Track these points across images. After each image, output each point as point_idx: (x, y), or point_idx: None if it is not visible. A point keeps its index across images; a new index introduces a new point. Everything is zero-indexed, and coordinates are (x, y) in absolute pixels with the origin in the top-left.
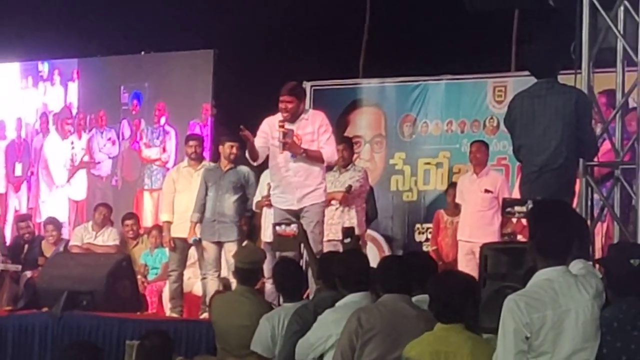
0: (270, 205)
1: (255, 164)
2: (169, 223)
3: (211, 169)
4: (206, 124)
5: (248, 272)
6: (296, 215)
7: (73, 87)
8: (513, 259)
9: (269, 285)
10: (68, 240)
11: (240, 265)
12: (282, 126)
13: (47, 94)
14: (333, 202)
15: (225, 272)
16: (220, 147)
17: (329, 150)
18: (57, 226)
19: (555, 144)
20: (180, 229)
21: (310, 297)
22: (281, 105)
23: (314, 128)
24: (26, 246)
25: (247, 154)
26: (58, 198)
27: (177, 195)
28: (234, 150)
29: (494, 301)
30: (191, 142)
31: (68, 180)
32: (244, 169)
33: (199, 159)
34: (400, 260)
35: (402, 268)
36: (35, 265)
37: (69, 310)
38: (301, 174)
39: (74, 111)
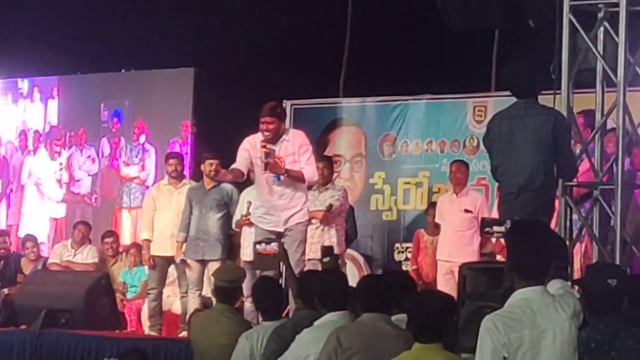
0: (250, 224)
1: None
2: (149, 241)
3: (195, 188)
4: (186, 142)
5: (227, 291)
6: (280, 236)
7: (53, 104)
8: (492, 278)
9: (248, 304)
10: (47, 258)
11: (219, 283)
12: (265, 146)
13: (26, 111)
14: (313, 220)
15: (207, 291)
16: (202, 165)
17: (310, 170)
18: (36, 243)
19: (532, 165)
20: (160, 247)
21: (290, 316)
22: (262, 126)
23: (295, 149)
24: (1, 262)
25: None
26: (37, 215)
27: (157, 214)
28: (214, 167)
29: (473, 321)
30: (171, 161)
31: (61, 201)
32: (227, 186)
33: (180, 177)
34: (379, 280)
35: (381, 287)
36: (13, 283)
37: (47, 328)
38: (285, 197)
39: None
